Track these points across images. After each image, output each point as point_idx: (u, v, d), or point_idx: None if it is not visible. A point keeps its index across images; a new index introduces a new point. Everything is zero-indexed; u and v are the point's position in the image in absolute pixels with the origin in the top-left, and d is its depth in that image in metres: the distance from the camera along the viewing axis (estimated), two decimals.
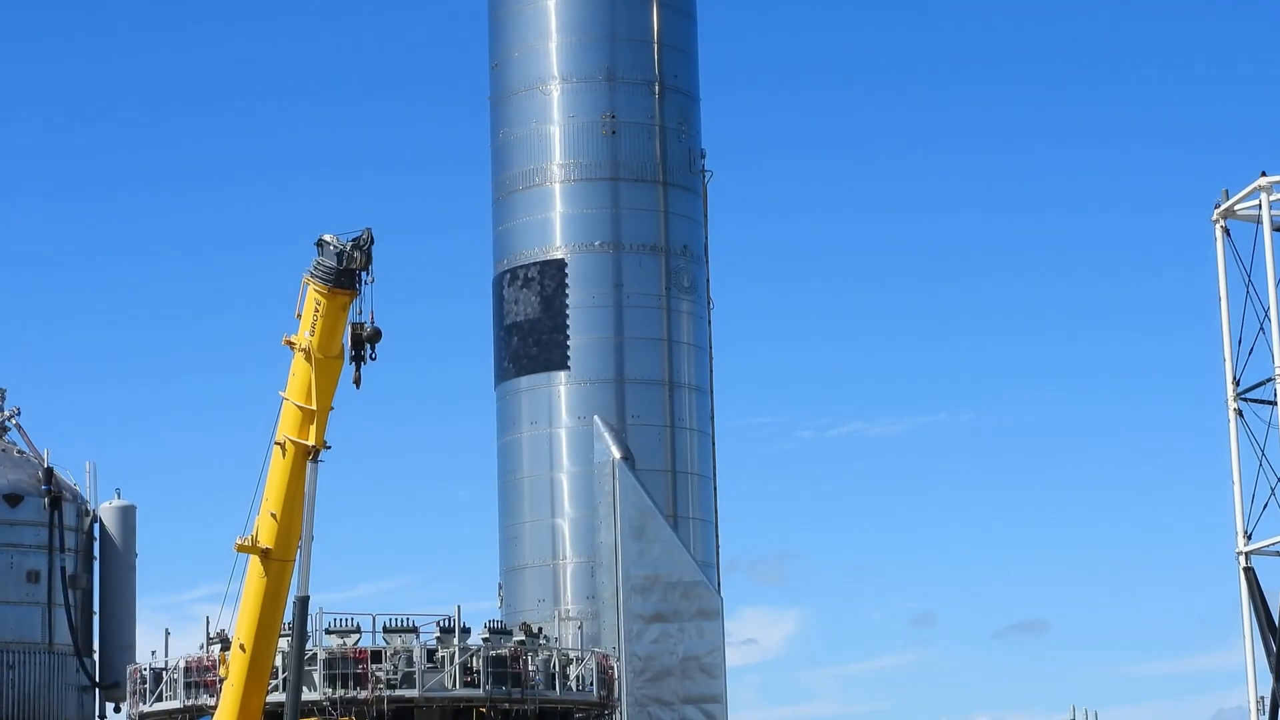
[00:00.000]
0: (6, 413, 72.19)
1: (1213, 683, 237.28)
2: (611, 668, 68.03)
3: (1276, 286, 79.60)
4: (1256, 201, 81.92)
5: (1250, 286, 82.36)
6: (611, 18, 78.19)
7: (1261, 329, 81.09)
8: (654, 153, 77.53)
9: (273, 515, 27.65)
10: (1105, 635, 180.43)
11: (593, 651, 67.56)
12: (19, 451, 70.91)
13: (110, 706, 69.64)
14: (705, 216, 79.55)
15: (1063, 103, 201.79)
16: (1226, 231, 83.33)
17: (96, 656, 70.37)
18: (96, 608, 71.37)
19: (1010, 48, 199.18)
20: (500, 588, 77.57)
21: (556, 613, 72.90)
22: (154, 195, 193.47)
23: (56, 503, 68.93)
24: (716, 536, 78.38)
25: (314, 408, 28.11)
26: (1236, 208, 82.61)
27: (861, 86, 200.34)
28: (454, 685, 58.78)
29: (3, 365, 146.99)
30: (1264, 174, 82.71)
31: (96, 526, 71.70)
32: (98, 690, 69.92)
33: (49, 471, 69.77)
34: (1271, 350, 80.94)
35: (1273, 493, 79.54)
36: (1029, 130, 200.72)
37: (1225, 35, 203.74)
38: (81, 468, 72.76)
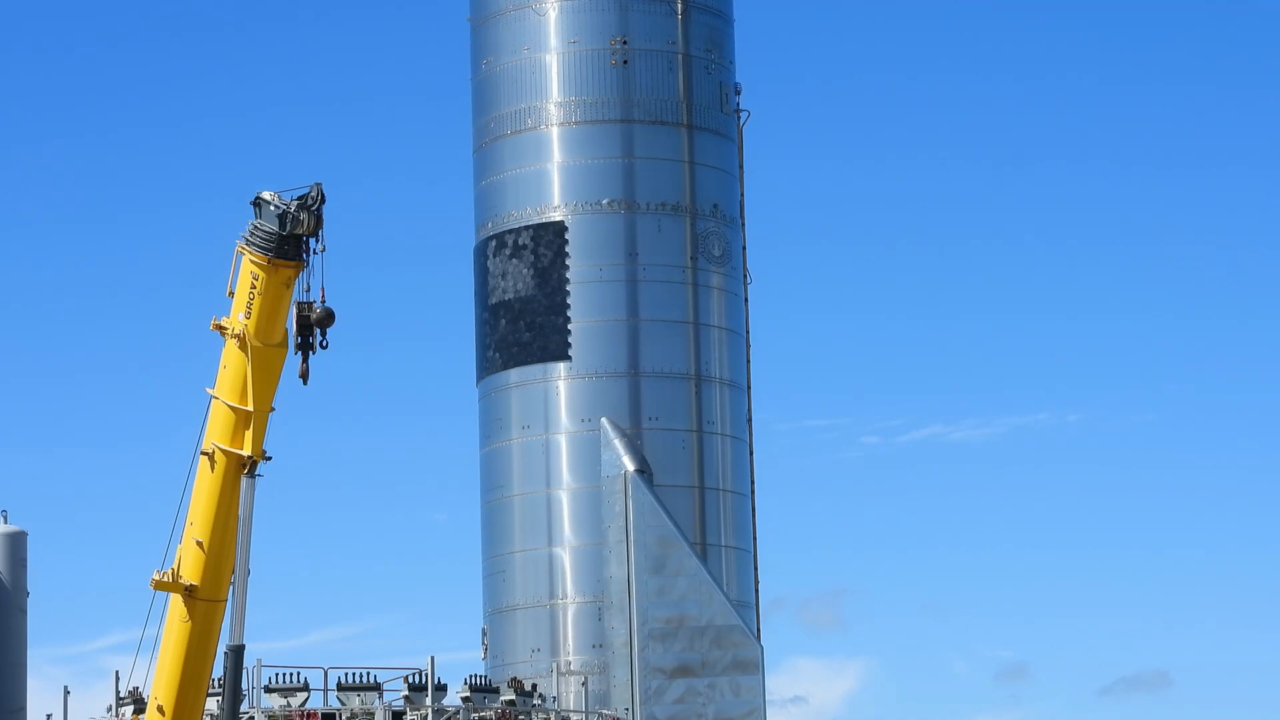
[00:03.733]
0: None
1: None
2: None
3: None
4: None
5: None
6: None
7: None
8: (676, 88, 76.47)
9: (199, 543, 27.53)
10: (1237, 690, 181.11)
11: (601, 714, 67.69)
12: None
13: None
14: (741, 168, 78.12)
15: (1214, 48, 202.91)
16: None
17: None
18: None
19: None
20: (484, 634, 77.20)
21: (555, 665, 72.23)
22: (29, 164, 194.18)
23: None
24: (755, 570, 76.66)
25: (251, 409, 28.00)
26: None
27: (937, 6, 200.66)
28: None
29: None
30: None
31: None
32: None
33: None
34: None
35: None
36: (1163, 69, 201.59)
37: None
38: None
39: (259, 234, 27.54)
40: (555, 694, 65.58)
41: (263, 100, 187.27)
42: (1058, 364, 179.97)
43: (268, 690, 55.53)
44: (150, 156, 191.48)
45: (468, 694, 59.26)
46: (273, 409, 29.51)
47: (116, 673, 57.15)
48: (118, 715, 56.32)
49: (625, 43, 74.30)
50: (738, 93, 77.19)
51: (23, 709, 67.69)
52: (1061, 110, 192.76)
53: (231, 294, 28.43)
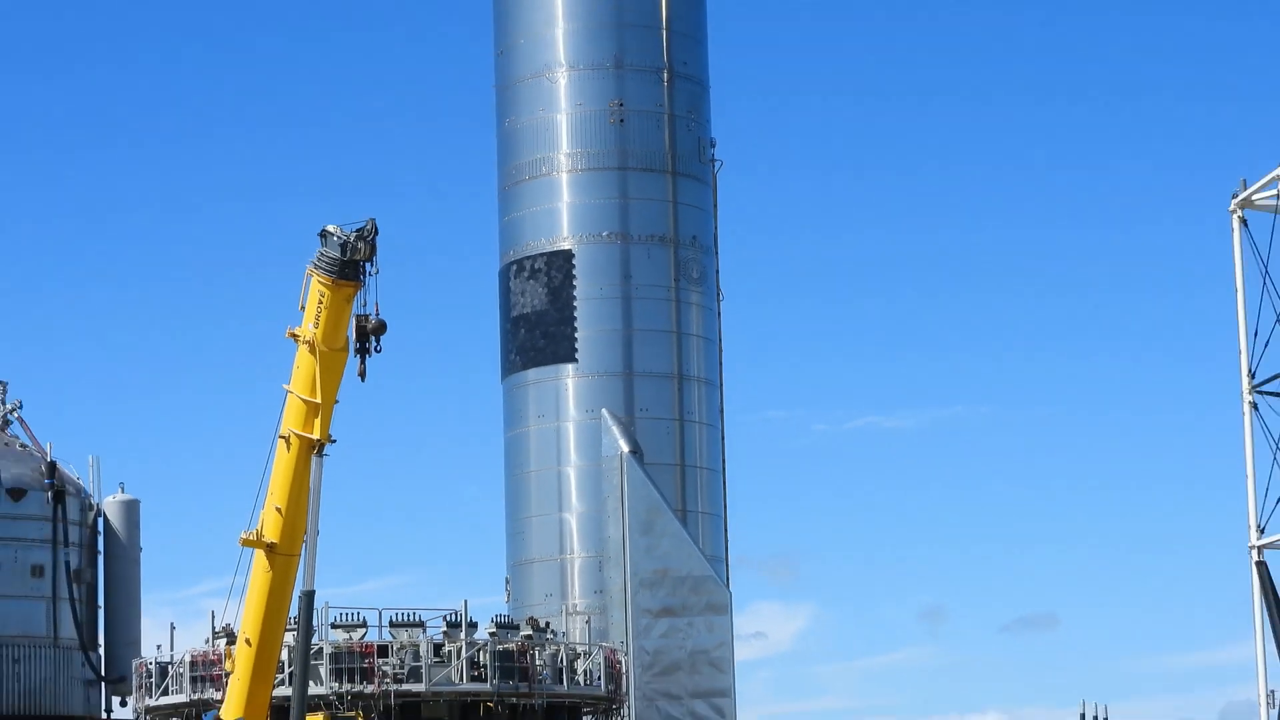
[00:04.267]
0: (9, 406, 72.21)
1: (1223, 677, 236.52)
2: (619, 662, 67.98)
3: None
4: (1275, 191, 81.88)
5: (1267, 278, 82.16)
6: (619, 3, 77.90)
7: (1278, 321, 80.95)
8: (663, 142, 77.43)
9: (278, 509, 27.43)
10: (1115, 629, 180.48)
11: (600, 646, 67.47)
12: (21, 445, 70.94)
13: (116, 700, 69.63)
14: (715, 206, 79.49)
15: (1079, 95, 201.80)
16: (1244, 222, 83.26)
17: (102, 650, 70.53)
18: (101, 602, 71.52)
19: (1027, 40, 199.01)
20: (507, 582, 77.45)
21: (564, 607, 72.69)
22: (158, 188, 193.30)
23: (60, 497, 69.05)
24: (725, 531, 78.53)
25: (318, 401, 27.83)
26: (1254, 198, 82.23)
27: (877, 74, 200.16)
28: (461, 680, 58.60)
29: (5, 358, 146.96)
30: None
31: (100, 521, 71.86)
32: (104, 684, 70.13)
33: (52, 465, 69.77)
34: None
35: None
36: (1046, 123, 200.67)
37: (1242, 26, 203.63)
38: (85, 462, 72.75)
39: (325, 259, 27.66)
40: (564, 630, 65.56)
41: (337, 155, 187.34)
42: (971, 367, 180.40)
43: (333, 627, 57.07)
44: (237, 200, 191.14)
45: (494, 629, 60.49)
46: (336, 401, 29.29)
47: (213, 613, 58.00)
48: (213, 647, 55.80)
49: (622, 105, 75.24)
50: (712, 146, 78.34)
51: (137, 641, 68.20)
52: (993, 153, 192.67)
53: (302, 308, 28.34)
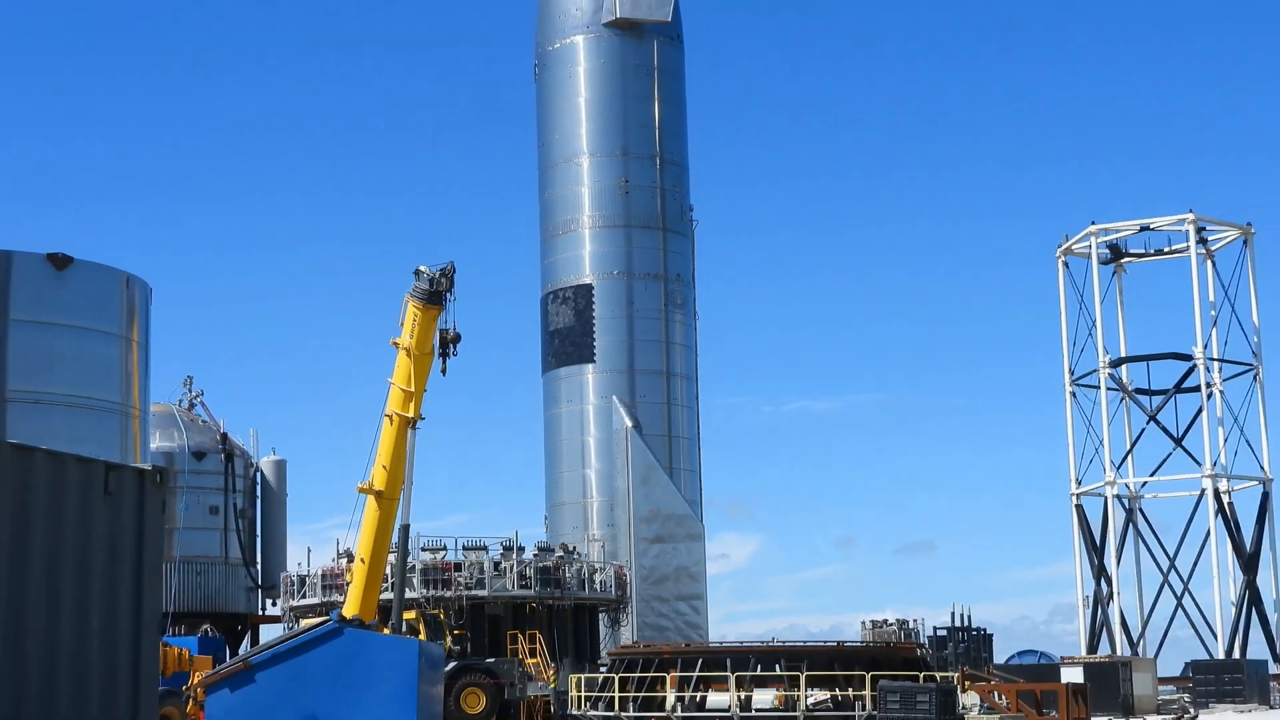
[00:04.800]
0: (194, 394, 73.28)
1: (1052, 586, 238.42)
2: (625, 575, 68.75)
3: (1100, 304, 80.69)
4: (1088, 243, 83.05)
5: (1082, 303, 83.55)
6: (624, 111, 78.57)
7: (1090, 333, 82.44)
8: (656, 207, 77.99)
9: (384, 467, 28.19)
10: (976, 552, 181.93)
11: (611, 564, 68.26)
12: (203, 421, 71.95)
13: (269, 602, 70.43)
14: (693, 252, 79.98)
15: (951, 169, 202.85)
16: (1066, 265, 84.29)
17: (259, 566, 71.33)
18: (259, 532, 72.53)
19: (907, 123, 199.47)
20: (546, 518, 78.31)
21: (585, 536, 73.39)
22: (301, 230, 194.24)
23: (230, 458, 70.21)
24: (700, 482, 79.15)
25: (412, 390, 28.61)
26: (1074, 247, 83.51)
27: (804, 163, 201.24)
28: (513, 588, 59.39)
29: (191, 361, 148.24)
30: (1094, 222, 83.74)
31: (258, 474, 72.92)
32: (260, 590, 70.94)
33: (224, 436, 71.01)
34: (1097, 349, 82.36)
35: (1096, 453, 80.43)
36: (933, 193, 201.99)
37: (1064, 115, 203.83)
38: (247, 433, 73.98)
39: (418, 290, 28.37)
40: (586, 552, 66.30)
41: (430, 217, 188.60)
42: (873, 366, 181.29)
43: (423, 550, 56.82)
44: (370, 245, 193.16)
45: (537, 551, 61.16)
46: (425, 390, 30.07)
47: (337, 540, 58.99)
48: (337, 564, 56.79)
49: (627, 181, 76.12)
50: (691, 210, 78.56)
51: (284, 560, 69.14)
52: (893, 205, 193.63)
53: (402, 324, 29.02)
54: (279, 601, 66.20)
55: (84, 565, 10.71)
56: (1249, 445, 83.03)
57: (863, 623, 63.01)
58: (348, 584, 32.36)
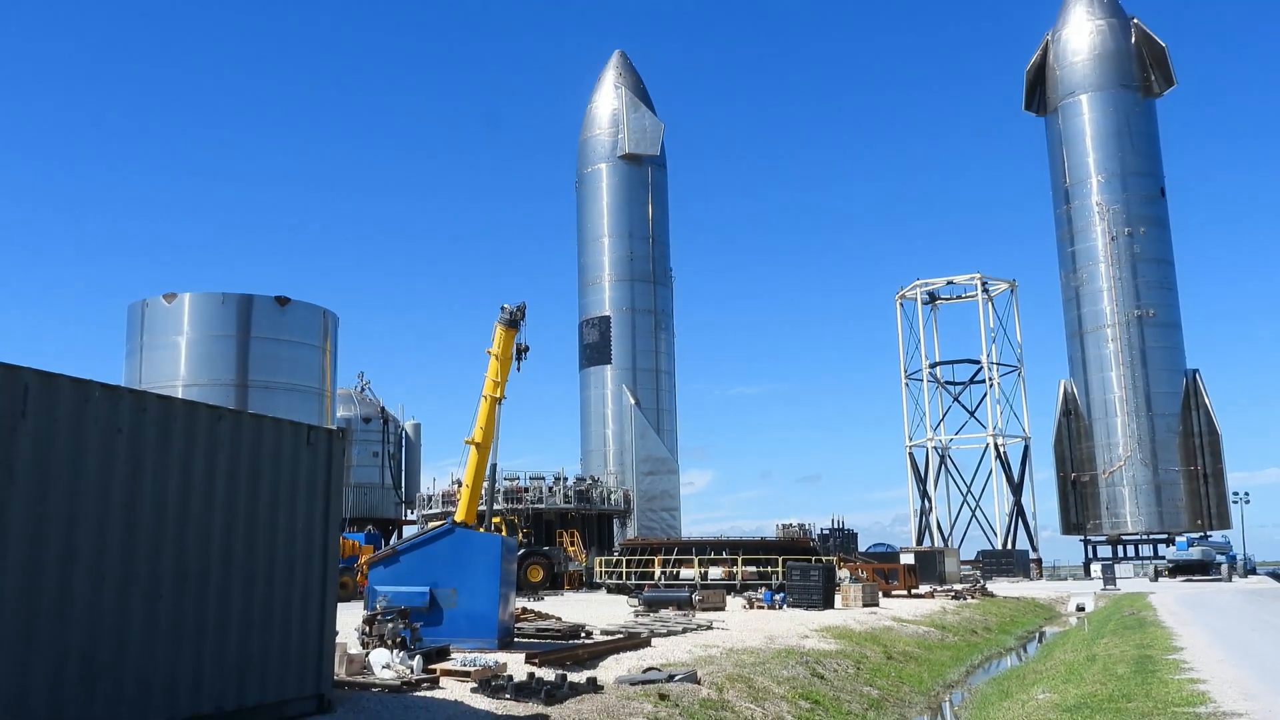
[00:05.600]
0: (365, 382, 73.39)
1: (894, 503, 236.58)
2: (630, 496, 68.79)
3: (923, 328, 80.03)
4: (915, 290, 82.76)
5: (912, 328, 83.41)
6: (630, 210, 78.89)
7: (917, 347, 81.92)
8: (649, 268, 78.38)
9: (480, 428, 27.99)
10: (849, 483, 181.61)
11: (622, 489, 68.30)
12: (369, 399, 71.91)
13: (409, 511, 70.36)
14: (672, 296, 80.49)
15: (806, 235, 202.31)
16: (901, 304, 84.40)
17: (403, 490, 71.24)
18: (404, 468, 72.42)
19: (772, 189, 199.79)
20: (580, 460, 78.59)
21: (605, 471, 73.67)
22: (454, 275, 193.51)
23: (386, 422, 70.20)
24: (676, 438, 79.10)
25: (498, 381, 28.50)
26: (906, 293, 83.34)
27: (741, 238, 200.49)
28: (560, 502, 59.42)
29: (364, 360, 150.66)
30: (919, 278, 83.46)
31: (403, 433, 72.89)
32: (403, 505, 70.81)
33: (383, 408, 71.03)
34: (920, 356, 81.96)
35: (921, 420, 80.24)
36: (799, 254, 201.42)
37: (907, 201, 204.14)
38: (397, 406, 73.89)
39: (502, 318, 27.91)
40: (606, 481, 66.21)
41: (515, 275, 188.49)
42: (779, 363, 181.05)
43: (504, 479, 56.40)
44: (487, 288, 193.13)
45: (575, 480, 61.22)
46: (506, 381, 29.92)
47: (452, 473, 59.41)
48: (454, 488, 56.51)
49: (632, 253, 76.45)
50: (671, 270, 79.36)
51: (418, 485, 69.19)
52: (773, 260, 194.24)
53: (493, 340, 28.78)
54: (415, 511, 66.33)
55: (294, 489, 10.96)
56: (1015, 416, 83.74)
57: (777, 525, 62.97)
58: (458, 500, 32.25)
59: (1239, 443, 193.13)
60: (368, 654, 13.57)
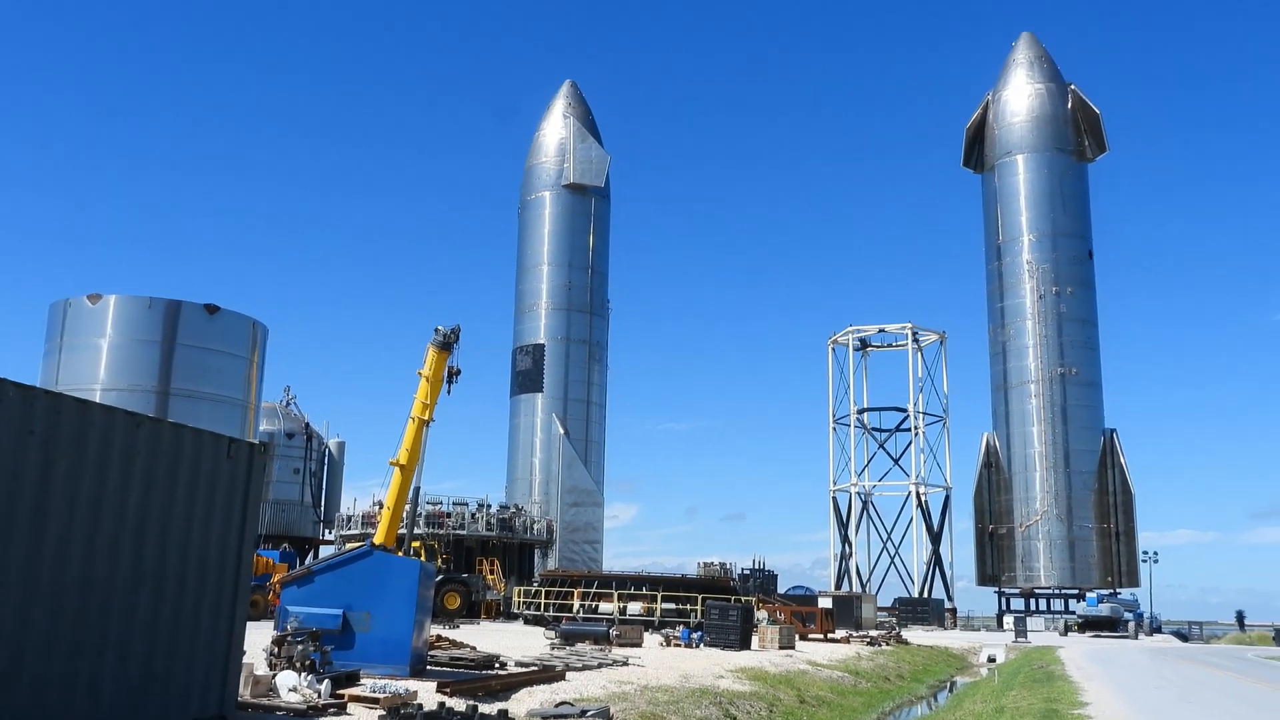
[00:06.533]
0: (290, 396, 72.20)
1: (815, 546, 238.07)
2: (553, 526, 68.31)
3: (853, 374, 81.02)
4: (848, 337, 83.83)
5: (842, 373, 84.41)
6: (571, 240, 78.81)
7: (846, 392, 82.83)
8: (586, 298, 78.32)
9: (406, 449, 27.81)
10: (770, 521, 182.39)
11: (545, 518, 67.77)
12: (294, 414, 70.66)
13: (327, 531, 69.01)
14: (608, 328, 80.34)
15: (743, 285, 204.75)
16: (833, 350, 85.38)
17: (322, 508, 69.94)
18: (324, 487, 71.08)
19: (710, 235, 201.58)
20: (506, 487, 77.75)
21: (530, 499, 73.04)
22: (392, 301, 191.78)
23: (309, 438, 68.88)
24: (603, 470, 78.88)
25: (427, 403, 28.33)
26: (839, 339, 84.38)
27: (677, 276, 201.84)
28: (482, 530, 58.74)
29: (290, 371, 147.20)
30: (851, 325, 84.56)
31: (327, 450, 71.56)
32: (321, 524, 69.47)
33: (307, 424, 69.73)
34: (849, 401, 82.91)
35: (847, 465, 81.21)
36: (742, 300, 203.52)
37: (840, 252, 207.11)
38: (323, 423, 72.61)
39: (436, 340, 27.78)
40: (529, 509, 65.46)
41: (453, 301, 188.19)
42: (707, 403, 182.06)
43: (426, 503, 55.65)
44: (425, 312, 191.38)
45: (499, 507, 60.24)
46: (435, 404, 29.71)
47: (374, 494, 58.10)
48: (373, 509, 55.52)
49: (570, 282, 75.90)
50: (609, 301, 79.08)
51: (339, 505, 67.86)
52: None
53: (424, 362, 28.62)
54: (334, 531, 65.23)
55: (211, 502, 10.73)
56: (938, 465, 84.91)
57: (699, 563, 62.89)
58: (378, 522, 31.81)
59: (1151, 503, 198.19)
60: (274, 676, 13.29)
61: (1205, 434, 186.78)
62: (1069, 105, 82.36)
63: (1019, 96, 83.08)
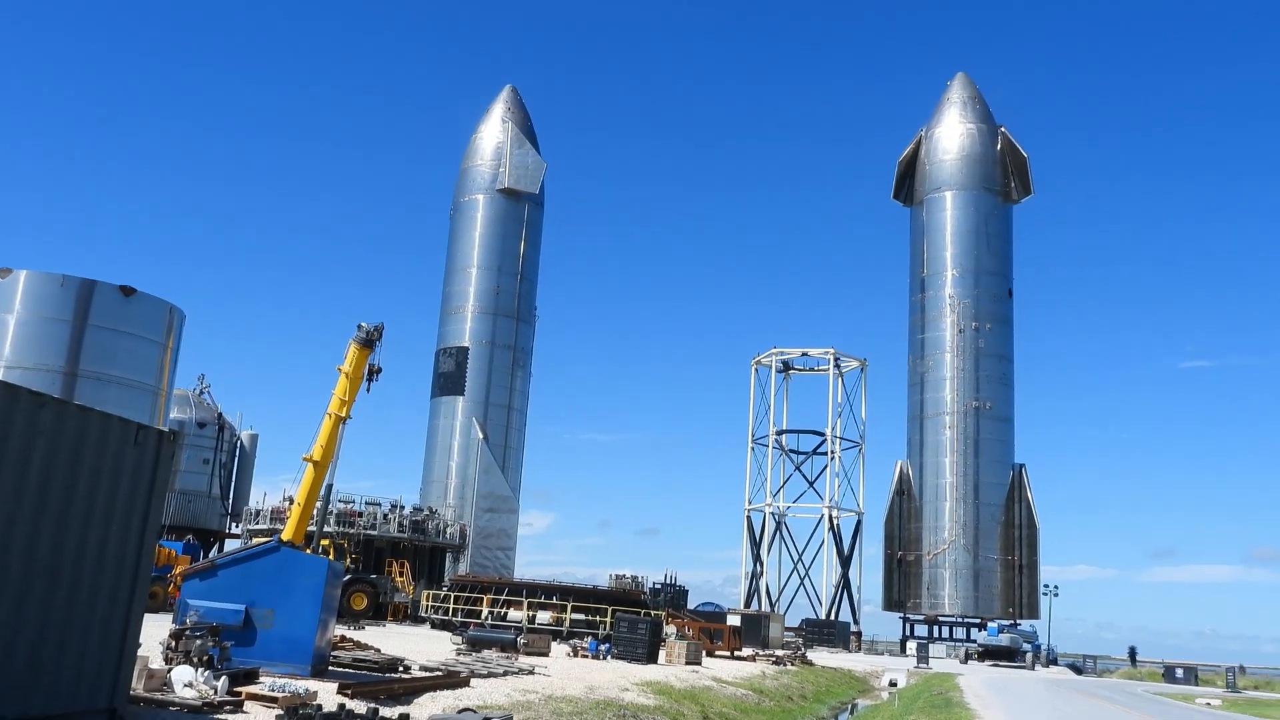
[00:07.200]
0: (205, 385, 70.66)
1: (727, 564, 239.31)
2: (466, 531, 67.89)
3: (774, 396, 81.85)
4: (771, 358, 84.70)
5: (763, 394, 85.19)
6: (502, 245, 78.49)
7: (766, 413, 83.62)
8: (514, 304, 77.90)
9: (321, 446, 27.29)
10: (683, 537, 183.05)
11: (459, 523, 67.34)
12: (207, 404, 69.15)
13: (234, 524, 67.64)
14: (534, 334, 79.94)
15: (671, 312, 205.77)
16: (756, 370, 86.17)
17: (230, 501, 68.45)
18: (234, 479, 69.55)
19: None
20: (421, 490, 76.92)
21: (445, 503, 72.40)
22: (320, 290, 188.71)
23: (221, 429, 67.74)
24: (521, 477, 78.27)
25: (346, 400, 27.86)
26: (762, 360, 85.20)
27: (608, 287, 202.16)
28: (394, 531, 58.19)
29: (203, 361, 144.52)
30: (775, 346, 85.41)
31: (239, 441, 70.07)
32: (229, 517, 68.04)
33: (220, 414, 68.40)
34: (769, 423, 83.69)
35: (763, 485, 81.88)
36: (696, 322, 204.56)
37: (769, 278, 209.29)
38: (235, 413, 71.09)
39: (358, 337, 27.35)
40: (443, 513, 65.04)
41: (381, 300, 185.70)
42: (631, 416, 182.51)
43: (339, 501, 54.95)
44: (350, 310, 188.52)
45: (412, 509, 59.45)
46: (354, 401, 29.18)
47: (284, 489, 56.86)
48: (284, 504, 54.80)
49: (499, 286, 75.65)
50: (535, 307, 79.19)
51: (249, 498, 66.91)
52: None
53: (345, 358, 28.13)
54: (241, 525, 64.00)
55: (115, 489, 10.45)
56: (852, 490, 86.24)
57: (611, 575, 62.91)
58: (287, 518, 31.11)
59: (1055, 537, 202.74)
60: (170, 670, 12.96)
61: (1110, 473, 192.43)
62: (998, 147, 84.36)
63: (951, 135, 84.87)
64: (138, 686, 12.03)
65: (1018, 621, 76.19)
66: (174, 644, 13.95)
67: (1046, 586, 79.36)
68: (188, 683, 12.63)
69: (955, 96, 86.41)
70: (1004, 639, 67.72)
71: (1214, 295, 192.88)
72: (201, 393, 70.10)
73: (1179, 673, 60.27)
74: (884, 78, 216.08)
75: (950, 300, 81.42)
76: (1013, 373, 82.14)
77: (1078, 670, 70.36)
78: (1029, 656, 66.49)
